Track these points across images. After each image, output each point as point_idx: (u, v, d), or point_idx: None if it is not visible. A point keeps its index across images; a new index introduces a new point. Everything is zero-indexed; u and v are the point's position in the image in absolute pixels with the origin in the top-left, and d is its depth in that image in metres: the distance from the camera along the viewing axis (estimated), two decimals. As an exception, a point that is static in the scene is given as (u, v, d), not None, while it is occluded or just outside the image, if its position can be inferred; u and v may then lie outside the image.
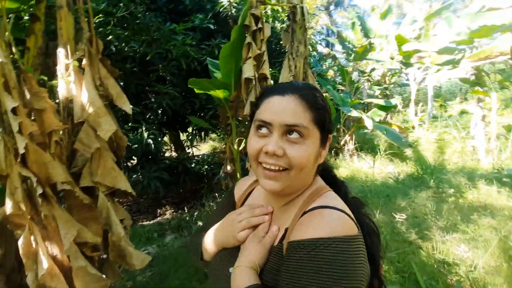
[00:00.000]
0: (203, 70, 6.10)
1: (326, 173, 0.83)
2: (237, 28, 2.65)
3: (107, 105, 2.08)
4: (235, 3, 6.34)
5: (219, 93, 2.99)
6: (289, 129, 0.64)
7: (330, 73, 13.05)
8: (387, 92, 12.80)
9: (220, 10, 6.24)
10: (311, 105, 0.66)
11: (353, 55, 10.70)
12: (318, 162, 0.71)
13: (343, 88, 10.21)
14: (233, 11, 6.39)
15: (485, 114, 7.67)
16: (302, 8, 3.51)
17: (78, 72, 2.04)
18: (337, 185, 0.79)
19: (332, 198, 0.69)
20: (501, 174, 5.12)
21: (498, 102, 7.42)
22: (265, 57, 2.83)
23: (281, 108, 0.64)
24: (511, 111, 10.75)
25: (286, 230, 0.69)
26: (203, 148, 9.85)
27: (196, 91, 2.97)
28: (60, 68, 2.05)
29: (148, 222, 4.49)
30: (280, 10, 6.40)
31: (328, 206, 0.64)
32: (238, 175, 3.39)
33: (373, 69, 13.07)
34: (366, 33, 12.98)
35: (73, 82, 1.99)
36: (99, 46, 2.14)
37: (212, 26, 6.19)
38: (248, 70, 2.69)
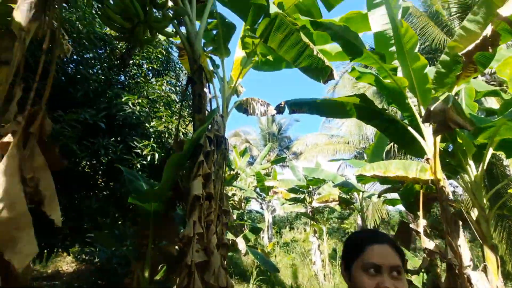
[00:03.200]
0: (79, 171, 5.12)
1: None
2: (189, 142, 2.65)
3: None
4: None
5: (153, 205, 2.54)
6: (393, 269, 0.89)
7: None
8: (244, 217, 14.29)
9: (121, 114, 5.92)
10: (399, 251, 0.95)
11: (222, 180, 11.84)
12: None
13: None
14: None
15: (319, 243, 9.80)
16: (226, 139, 4.01)
17: (-11, 152, 1.38)
18: None
19: None
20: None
21: (326, 234, 9.86)
22: (213, 177, 2.83)
23: (386, 254, 0.91)
24: (334, 238, 14.16)
25: None
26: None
27: (130, 200, 2.40)
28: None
29: None
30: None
31: None
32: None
33: (234, 195, 14.69)
34: (229, 164, 15.08)
35: (-27, 165, 1.30)
36: (45, 127, 1.61)
37: (103, 125, 5.63)
38: (198, 188, 2.56)
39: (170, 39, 8.01)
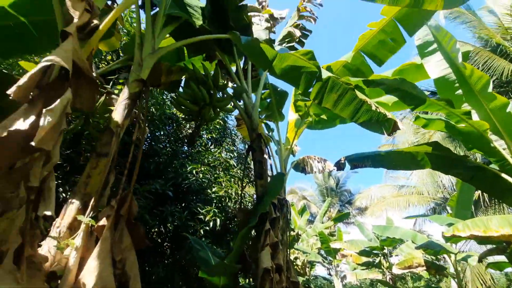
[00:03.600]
0: (149, 239, 5.37)
1: None
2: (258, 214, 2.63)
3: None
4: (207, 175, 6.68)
5: (222, 279, 2.45)
6: None
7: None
8: (310, 285, 12.83)
9: (186, 182, 6.40)
10: None
11: (284, 243, 11.20)
12: None
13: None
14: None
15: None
16: (288, 201, 3.88)
17: (88, 235, 1.49)
18: None
19: None
20: None
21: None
22: (281, 246, 2.69)
23: None
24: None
25: None
26: None
27: (200, 275, 2.39)
28: (61, 224, 1.49)
29: None
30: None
31: None
32: None
33: (296, 258, 13.58)
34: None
35: (75, 249, 1.40)
36: (133, 208, 1.74)
37: (170, 194, 6.09)
38: (267, 260, 2.43)
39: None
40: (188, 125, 8.08)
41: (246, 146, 10.90)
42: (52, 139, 0.95)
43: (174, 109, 8.48)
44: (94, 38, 1.44)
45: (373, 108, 2.74)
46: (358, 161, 4.47)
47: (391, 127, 2.81)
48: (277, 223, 2.82)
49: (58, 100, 0.98)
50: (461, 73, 3.19)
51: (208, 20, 3.12)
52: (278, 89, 4.33)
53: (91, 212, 1.56)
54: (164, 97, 7.93)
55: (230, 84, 3.18)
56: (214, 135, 8.55)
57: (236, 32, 2.73)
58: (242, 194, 7.38)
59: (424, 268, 6.56)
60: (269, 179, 3.48)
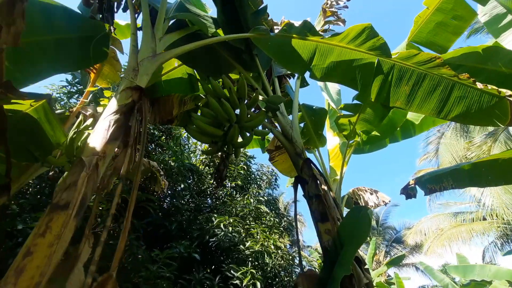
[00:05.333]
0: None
1: None
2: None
3: None
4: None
5: None
6: None
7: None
8: None
9: (213, 239, 5.36)
10: None
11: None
12: None
13: None
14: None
15: None
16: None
17: None
18: None
19: None
20: None
21: None
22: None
23: None
24: None
25: None
26: None
27: None
28: None
29: None
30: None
31: None
32: None
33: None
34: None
35: None
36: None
37: (197, 257, 5.05)
38: None
39: (247, 153, 8.21)
40: (209, 176, 7.32)
41: (273, 191, 9.83)
42: None
43: (194, 160, 7.87)
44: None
45: (479, 86, 1.84)
46: (434, 182, 3.38)
47: (509, 114, 1.86)
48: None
49: None
50: None
51: (223, 29, 2.55)
52: (314, 107, 3.55)
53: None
54: (182, 147, 7.39)
55: (260, 97, 2.45)
56: (239, 182, 7.69)
57: (261, 26, 2.09)
58: (280, 243, 6.14)
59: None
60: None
